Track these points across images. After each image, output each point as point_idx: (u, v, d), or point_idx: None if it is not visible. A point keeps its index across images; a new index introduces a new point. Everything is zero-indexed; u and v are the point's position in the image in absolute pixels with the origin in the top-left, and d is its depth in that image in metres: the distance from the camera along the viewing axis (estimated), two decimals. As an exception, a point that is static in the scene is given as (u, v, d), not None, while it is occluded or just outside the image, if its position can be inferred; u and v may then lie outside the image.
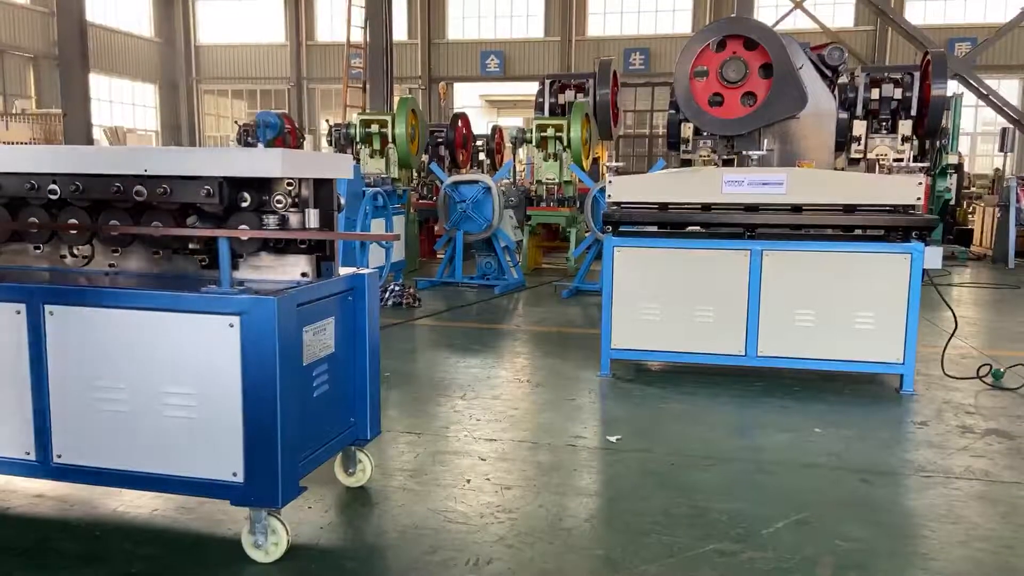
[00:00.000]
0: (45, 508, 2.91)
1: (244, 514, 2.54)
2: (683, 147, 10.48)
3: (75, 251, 2.87)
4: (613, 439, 3.79)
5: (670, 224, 4.96)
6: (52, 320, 2.56)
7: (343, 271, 2.93)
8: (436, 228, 9.52)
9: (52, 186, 2.69)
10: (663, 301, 4.80)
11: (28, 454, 2.64)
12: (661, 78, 22.43)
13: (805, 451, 3.68)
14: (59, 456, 2.62)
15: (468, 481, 3.24)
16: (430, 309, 7.37)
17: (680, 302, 4.78)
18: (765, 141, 6.07)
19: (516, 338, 6.33)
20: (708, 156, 9.83)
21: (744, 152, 5.90)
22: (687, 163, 10.26)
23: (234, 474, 2.48)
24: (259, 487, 2.47)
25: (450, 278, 8.83)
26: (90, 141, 16.96)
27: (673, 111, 10.56)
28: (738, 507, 3.01)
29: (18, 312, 2.58)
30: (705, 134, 9.28)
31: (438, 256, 10.10)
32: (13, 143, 16.80)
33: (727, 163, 6.89)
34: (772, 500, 3.10)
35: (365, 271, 3.00)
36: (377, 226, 8.04)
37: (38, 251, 2.89)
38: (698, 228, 4.96)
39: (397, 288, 7.48)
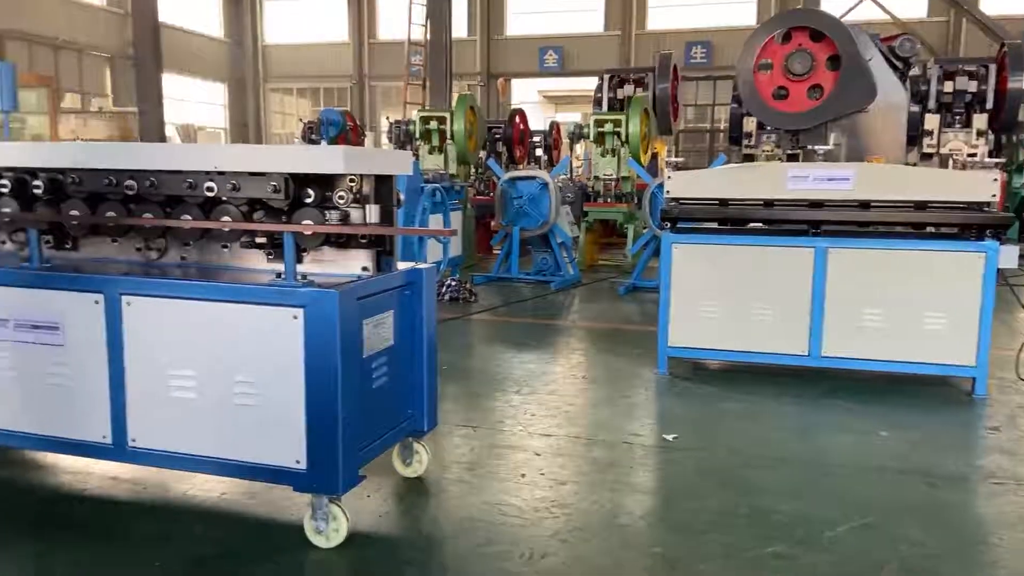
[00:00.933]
0: (120, 490, 3.05)
1: (307, 500, 2.61)
2: (745, 142, 10.29)
3: (150, 244, 2.99)
4: (669, 437, 3.75)
5: (731, 220, 4.87)
6: (128, 310, 2.68)
7: (401, 266, 2.98)
8: (493, 224, 9.57)
9: (129, 182, 2.81)
10: (723, 299, 4.72)
11: (105, 438, 2.77)
12: (723, 71, 22.03)
13: (870, 454, 3.58)
14: (134, 440, 2.73)
15: (523, 475, 3.26)
16: (486, 304, 7.42)
17: (740, 300, 4.69)
18: (832, 136, 5.91)
19: (572, 334, 6.32)
20: (772, 151, 9.63)
21: (810, 147, 5.76)
22: (749, 158, 10.07)
23: (297, 461, 2.56)
24: (321, 475, 2.54)
25: (506, 274, 8.86)
26: (163, 138, 17.60)
27: (735, 105, 10.38)
28: (799, 509, 2.95)
29: (96, 302, 2.71)
30: (769, 129, 9.08)
31: (494, 252, 10.15)
32: (92, 140, 17.55)
33: (791, 158, 6.74)
34: (834, 503, 3.02)
35: (423, 266, 3.04)
36: (435, 221, 8.13)
37: (116, 244, 3.02)
38: (760, 225, 4.86)
39: (454, 283, 7.55)
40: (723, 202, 4.80)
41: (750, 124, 10.13)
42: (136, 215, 2.86)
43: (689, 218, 4.88)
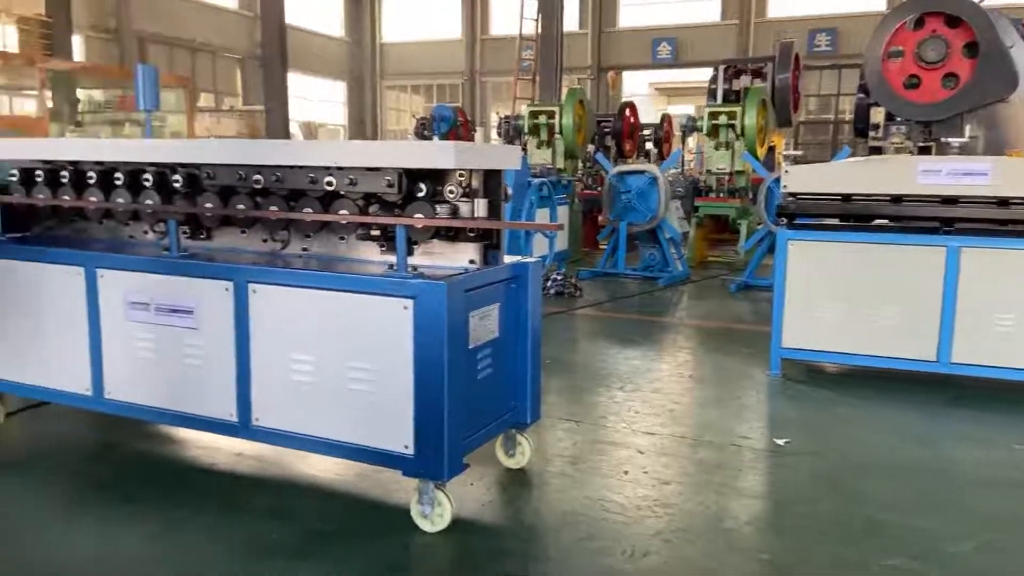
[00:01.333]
0: (244, 466, 3.25)
1: (414, 484, 2.70)
2: (872, 134, 9.72)
3: (274, 236, 3.17)
4: (781, 442, 3.62)
5: (853, 217, 4.64)
6: (255, 297, 2.86)
7: (508, 259, 3.02)
8: (600, 219, 9.51)
9: (257, 176, 2.99)
10: (842, 299, 4.51)
11: (231, 416, 2.96)
12: (849, 59, 20.93)
13: (1000, 466, 3.33)
14: (258, 419, 2.91)
15: (626, 472, 3.24)
16: (591, 299, 7.40)
17: (861, 301, 4.46)
18: (968, 127, 5.51)
19: (679, 332, 6.21)
20: (901, 144, 9.07)
21: (943, 139, 5.39)
22: (876, 151, 9.50)
23: (405, 447, 2.65)
24: (427, 460, 2.62)
25: (612, 269, 8.79)
26: (288, 135, 18.54)
27: (862, 95, 9.83)
28: (919, 522, 2.78)
29: (227, 289, 2.90)
30: (898, 120, 8.56)
31: (601, 247, 10.08)
32: (224, 137, 18.72)
33: (923, 151, 6.33)
34: (959, 517, 2.83)
35: (529, 260, 3.07)
36: (542, 216, 8.17)
37: (244, 235, 3.22)
38: (885, 221, 4.60)
39: (559, 277, 7.57)
40: (845, 197, 4.57)
41: (878, 115, 9.54)
42: (263, 208, 3.04)
43: (807, 214, 4.68)
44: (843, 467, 3.33)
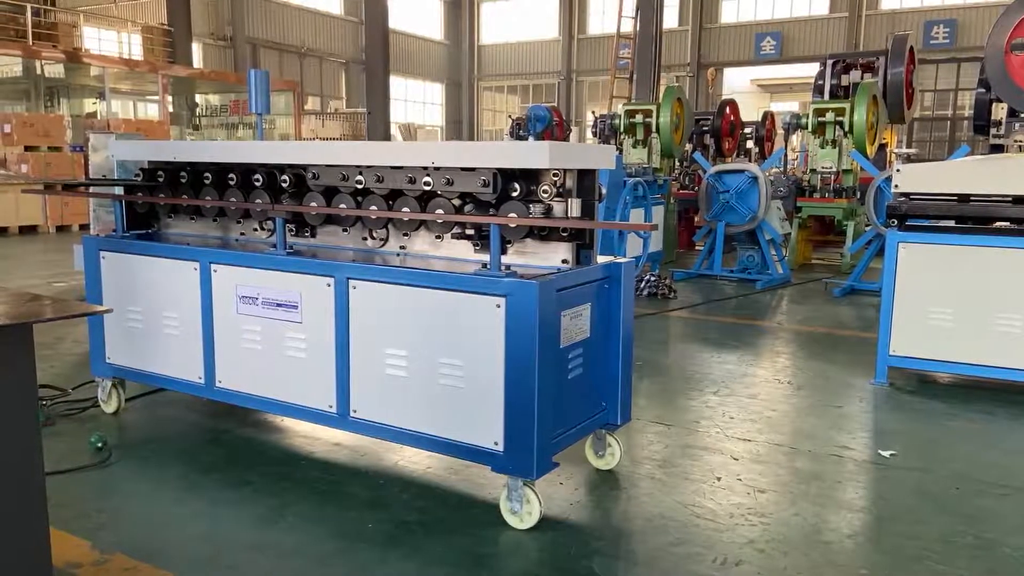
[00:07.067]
0: (341, 455, 3.38)
1: (502, 481, 2.73)
2: (993, 131, 9.12)
3: (374, 234, 3.28)
4: (886, 454, 3.46)
5: (971, 219, 4.36)
6: (355, 293, 2.96)
7: (600, 259, 3.00)
8: (696, 219, 9.32)
9: (359, 177, 3.10)
10: (957, 305, 4.25)
11: (331, 407, 3.08)
12: (969, 52, 19.67)
13: None
14: (355, 411, 3.02)
15: (718, 479, 3.17)
16: (686, 301, 7.26)
17: (979, 308, 4.20)
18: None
19: (777, 336, 6.01)
20: (1026, 141, 8.45)
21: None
22: (998, 149, 8.92)
23: (495, 443, 2.68)
24: (516, 458, 2.64)
25: (708, 271, 8.60)
26: (388, 136, 19.10)
27: (982, 90, 9.24)
28: (1039, 548, 2.60)
29: (328, 285, 3.02)
30: (1022, 116, 7.99)
31: (696, 248, 9.88)
32: (328, 139, 19.50)
33: (1050, 148, 5.89)
34: (1087, 547, 2.62)
35: (622, 260, 3.05)
36: (636, 216, 8.08)
37: (345, 233, 3.35)
38: (1007, 224, 4.31)
39: (653, 278, 7.46)
40: (962, 198, 4.31)
41: (999, 111, 8.95)
42: (363, 207, 3.15)
43: (920, 215, 4.44)
44: (953, 484, 3.15)
